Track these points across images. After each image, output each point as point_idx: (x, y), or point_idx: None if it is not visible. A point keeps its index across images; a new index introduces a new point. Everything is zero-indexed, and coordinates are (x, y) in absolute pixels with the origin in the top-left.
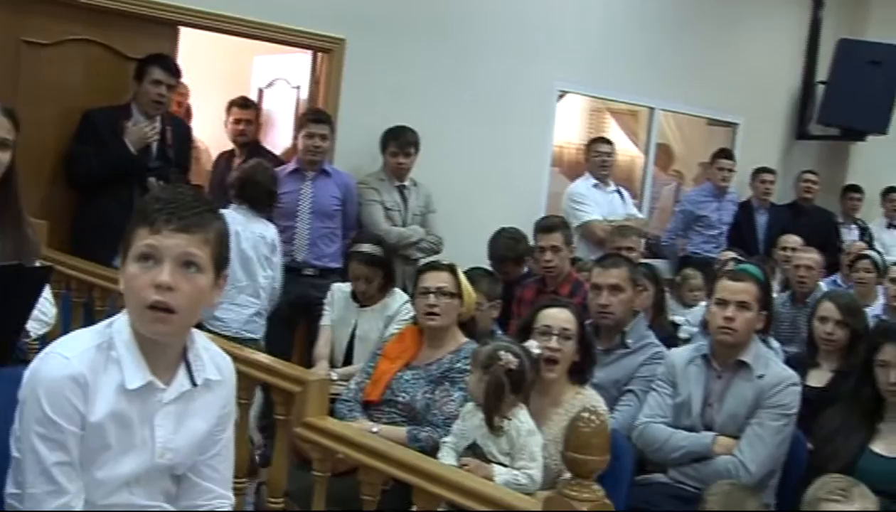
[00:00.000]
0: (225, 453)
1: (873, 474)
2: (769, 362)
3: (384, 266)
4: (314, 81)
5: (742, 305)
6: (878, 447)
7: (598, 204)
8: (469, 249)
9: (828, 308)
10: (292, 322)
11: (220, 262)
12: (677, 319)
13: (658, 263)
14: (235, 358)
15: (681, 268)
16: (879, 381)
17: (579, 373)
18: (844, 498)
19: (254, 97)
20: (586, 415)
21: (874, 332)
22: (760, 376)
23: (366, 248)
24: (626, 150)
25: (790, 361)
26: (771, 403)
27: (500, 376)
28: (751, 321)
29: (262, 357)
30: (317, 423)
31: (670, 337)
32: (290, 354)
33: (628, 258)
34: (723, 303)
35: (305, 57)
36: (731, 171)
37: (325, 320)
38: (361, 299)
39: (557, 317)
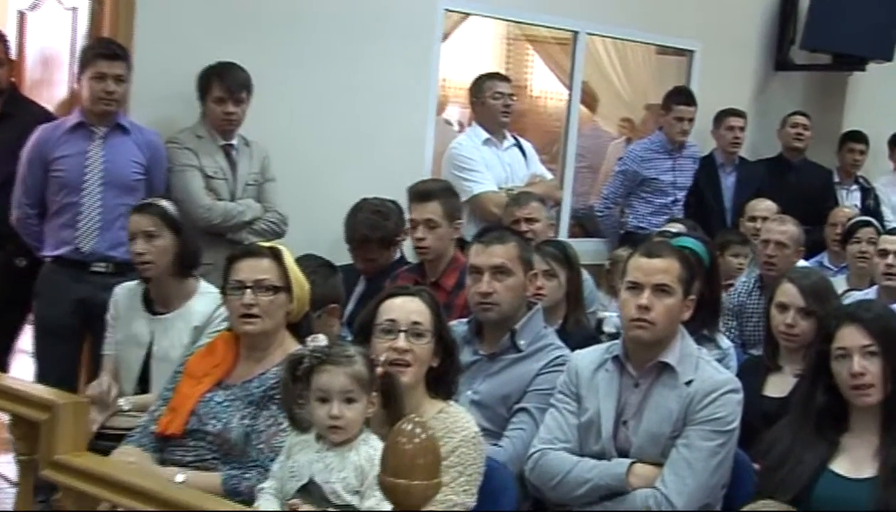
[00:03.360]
0: None
1: (835, 501)
2: (700, 364)
3: (177, 230)
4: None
5: (661, 290)
6: (839, 467)
7: (490, 167)
8: (323, 231)
9: (788, 292)
10: (76, 336)
11: None
12: (607, 316)
13: (591, 242)
14: None
15: (615, 249)
16: (839, 378)
17: (440, 383)
18: None
19: (10, 24)
20: (409, 427)
21: (828, 315)
22: (689, 382)
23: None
24: (555, 92)
25: (747, 366)
26: (703, 418)
27: (300, 359)
28: (673, 310)
29: None
30: (71, 461)
31: (591, 339)
32: (73, 381)
33: (522, 232)
34: (635, 287)
35: None
36: (691, 120)
37: (108, 346)
38: (156, 301)
39: (405, 308)
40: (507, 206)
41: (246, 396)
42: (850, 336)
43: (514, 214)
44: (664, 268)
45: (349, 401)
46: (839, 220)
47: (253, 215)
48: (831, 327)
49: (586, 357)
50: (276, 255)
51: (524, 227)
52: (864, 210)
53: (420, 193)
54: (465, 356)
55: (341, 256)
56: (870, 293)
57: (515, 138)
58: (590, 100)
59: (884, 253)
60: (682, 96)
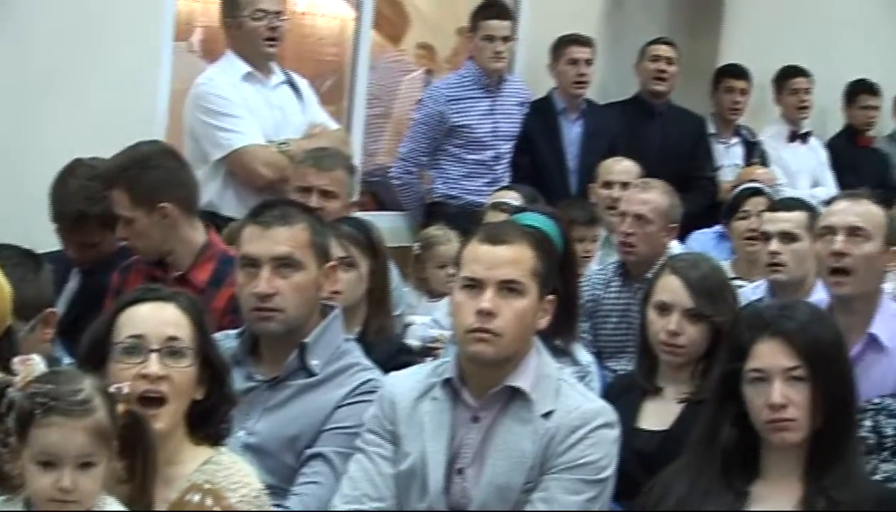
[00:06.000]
0: None
1: None
2: (562, 389)
3: None
4: None
5: (509, 288)
6: None
7: (254, 111)
8: (16, 207)
9: (671, 288)
10: None
11: None
12: (417, 319)
13: (387, 217)
14: None
15: (427, 224)
16: (752, 408)
17: (207, 422)
18: None
19: None
20: (197, 498)
21: (738, 325)
22: (547, 414)
23: None
24: (334, 12)
25: (615, 388)
26: (567, 462)
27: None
28: (526, 315)
29: None
30: None
31: (402, 352)
32: None
33: (314, 209)
34: (474, 286)
35: None
36: (506, 39)
37: None
38: None
39: (156, 319)
40: (299, 167)
41: None
42: (770, 354)
43: (309, 181)
44: (513, 258)
45: (86, 465)
46: (725, 188)
47: None
48: (743, 340)
49: (405, 382)
50: None
51: (315, 201)
52: None
53: None
54: (236, 383)
55: (44, 240)
56: (761, 287)
57: (287, 74)
58: (399, 23)
59: (766, 237)
60: (491, 8)
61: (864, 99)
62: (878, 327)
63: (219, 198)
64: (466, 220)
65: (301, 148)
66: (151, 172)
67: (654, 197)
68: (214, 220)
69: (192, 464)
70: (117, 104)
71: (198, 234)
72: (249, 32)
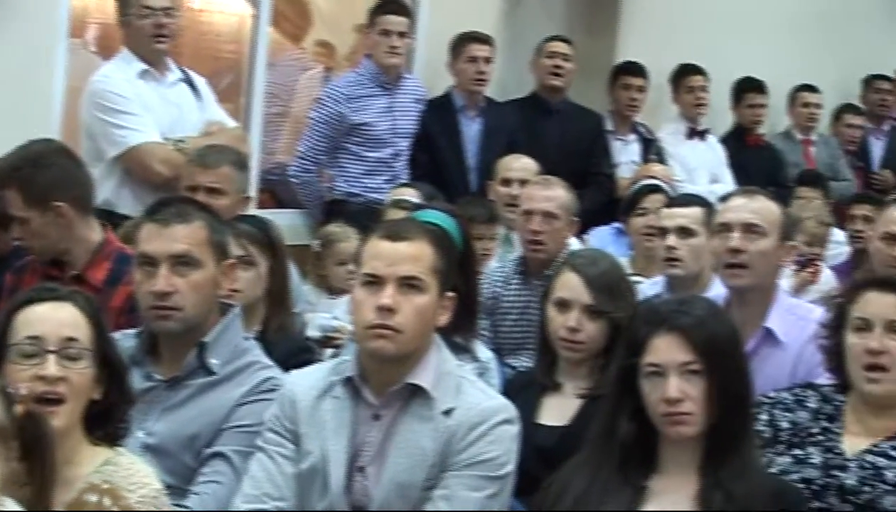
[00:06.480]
0: None
1: None
2: (463, 386)
3: None
4: None
5: (409, 285)
6: None
7: (151, 109)
8: None
9: (570, 284)
10: None
11: None
12: (320, 318)
13: (287, 215)
14: None
15: (327, 222)
16: (649, 402)
17: (105, 423)
18: None
19: None
20: (94, 498)
21: (635, 320)
22: (448, 412)
23: None
24: (232, 9)
25: (515, 384)
26: (468, 459)
27: None
28: (426, 312)
29: None
30: None
31: (302, 351)
32: None
33: (209, 207)
34: (374, 282)
35: None
36: (402, 35)
37: None
38: None
39: (53, 319)
40: (189, 166)
41: None
42: (666, 349)
43: (195, 180)
44: (413, 255)
45: None
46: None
47: None
48: (640, 335)
49: (306, 380)
50: None
51: (202, 199)
52: None
53: None
54: (135, 383)
55: None
56: (658, 283)
57: (184, 71)
58: (300, 21)
59: (663, 232)
60: (389, 4)
61: (752, 97)
62: (774, 322)
63: (115, 196)
64: (367, 218)
65: (198, 146)
66: (45, 171)
67: (558, 193)
68: (111, 218)
69: (89, 464)
70: (11, 102)
71: (94, 232)
72: (138, 30)
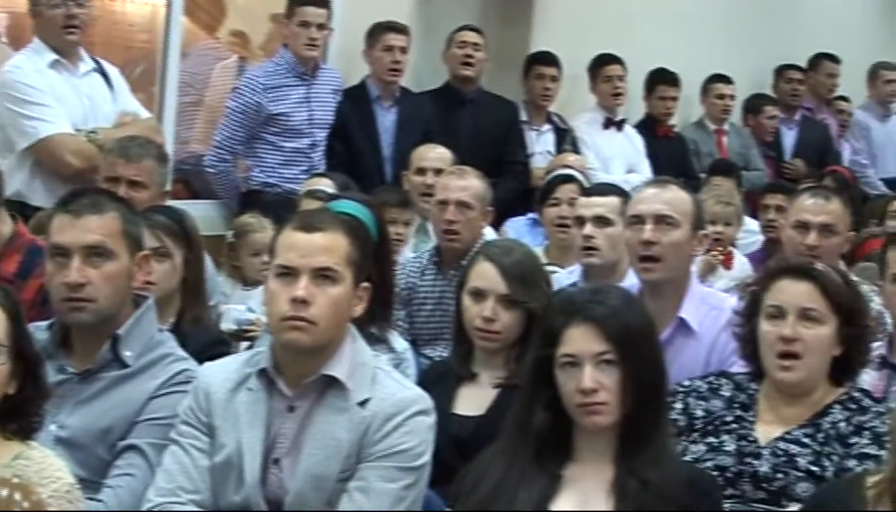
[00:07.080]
0: None
1: None
2: (378, 377)
3: None
4: None
5: (324, 276)
6: (563, 505)
7: (62, 100)
8: None
9: (485, 274)
10: None
11: None
12: (234, 310)
13: (202, 206)
14: None
15: (243, 213)
16: (564, 392)
17: (18, 416)
18: None
19: None
20: (5, 492)
21: (550, 310)
22: (363, 402)
23: None
24: None
25: (431, 374)
26: (383, 451)
27: None
28: (340, 303)
29: None
30: None
31: (218, 343)
32: None
33: (125, 198)
34: (288, 274)
35: None
36: (321, 27)
37: None
38: None
39: None
40: (108, 157)
41: None
42: (581, 340)
43: (117, 171)
44: (327, 246)
45: None
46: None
47: None
48: (555, 326)
49: (220, 372)
50: None
51: (124, 192)
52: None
53: None
54: (48, 376)
55: None
56: (575, 272)
57: (96, 61)
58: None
59: (580, 221)
60: None
61: (663, 89)
62: (688, 312)
63: (26, 187)
64: (283, 209)
65: (111, 137)
66: None
67: (473, 182)
68: (23, 210)
69: (2, 458)
70: None
71: (4, 225)
72: (49, 20)
